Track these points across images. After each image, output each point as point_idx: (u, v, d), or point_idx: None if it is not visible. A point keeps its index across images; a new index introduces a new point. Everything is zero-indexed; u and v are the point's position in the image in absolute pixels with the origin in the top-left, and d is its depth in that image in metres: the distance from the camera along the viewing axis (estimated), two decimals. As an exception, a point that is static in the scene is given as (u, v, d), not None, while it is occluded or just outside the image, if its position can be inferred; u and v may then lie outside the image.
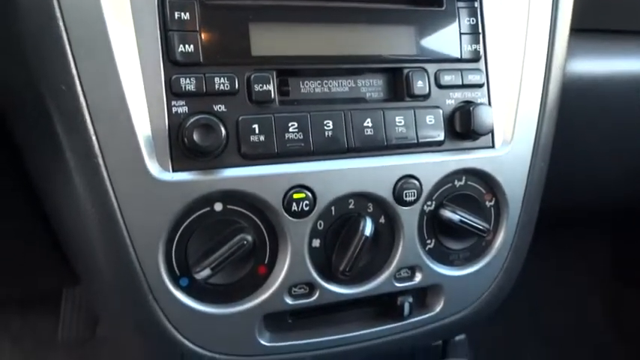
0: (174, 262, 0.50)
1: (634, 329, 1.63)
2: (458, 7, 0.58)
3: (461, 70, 0.58)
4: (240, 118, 0.50)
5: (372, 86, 0.57)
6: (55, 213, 0.56)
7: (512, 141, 0.61)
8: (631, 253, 1.64)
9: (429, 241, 0.59)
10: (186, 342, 0.52)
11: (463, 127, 0.57)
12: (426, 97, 0.57)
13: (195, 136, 0.47)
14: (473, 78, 0.59)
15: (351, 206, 0.55)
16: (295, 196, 0.51)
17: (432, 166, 0.57)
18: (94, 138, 0.46)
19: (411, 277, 0.59)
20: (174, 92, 0.48)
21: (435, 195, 0.58)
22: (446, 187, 0.59)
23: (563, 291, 1.67)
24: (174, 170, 0.49)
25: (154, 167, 0.48)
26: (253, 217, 0.52)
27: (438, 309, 0.61)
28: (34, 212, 0.64)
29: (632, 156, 0.93)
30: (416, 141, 0.56)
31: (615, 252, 1.70)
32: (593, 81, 0.78)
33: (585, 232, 1.69)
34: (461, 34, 0.58)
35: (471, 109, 0.56)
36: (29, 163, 0.55)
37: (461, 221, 0.58)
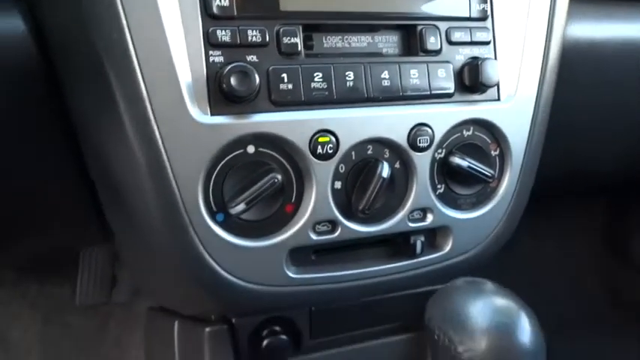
0: (211, 199, 0.56)
1: (627, 300, 1.70)
2: None
3: (470, 28, 0.63)
4: (270, 68, 0.55)
5: (387, 42, 0.62)
6: (99, 159, 0.61)
7: (516, 95, 0.66)
8: (624, 227, 1.71)
9: (439, 186, 0.64)
10: (223, 272, 0.57)
11: (472, 80, 0.62)
12: (438, 52, 0.62)
13: (233, 81, 0.52)
14: (481, 35, 0.64)
15: (369, 151, 0.60)
16: (320, 139, 0.57)
17: (443, 116, 0.62)
18: (141, 83, 0.51)
19: (423, 218, 0.64)
20: (211, 43, 0.53)
21: (446, 143, 0.64)
22: (455, 136, 0.64)
23: (562, 261, 1.74)
24: (212, 114, 0.54)
25: (194, 111, 0.53)
26: (282, 159, 0.57)
27: (447, 249, 0.66)
28: (72, 165, 0.69)
29: (629, 121, 0.98)
30: (429, 92, 0.61)
31: (610, 225, 1.77)
32: (590, 45, 0.84)
33: (583, 205, 1.76)
34: None
35: (479, 63, 0.61)
36: (76, 114, 0.60)
37: (469, 167, 0.63)
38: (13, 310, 1.23)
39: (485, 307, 0.44)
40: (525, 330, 0.43)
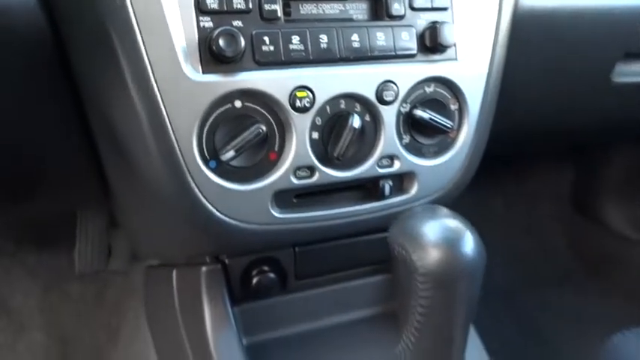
0: (204, 148, 0.64)
1: (593, 257, 1.82)
2: None
3: None
4: (253, 32, 0.63)
5: (357, 9, 0.70)
6: (103, 117, 0.69)
7: (471, 55, 0.74)
8: (589, 188, 1.83)
9: (404, 136, 0.73)
10: (217, 212, 0.66)
11: (432, 41, 0.71)
12: (402, 17, 0.70)
13: (221, 44, 0.60)
14: (440, 2, 0.72)
15: (342, 105, 0.69)
16: (298, 94, 0.65)
17: (407, 74, 0.70)
18: (141, 46, 0.59)
19: (391, 165, 0.73)
20: (201, 10, 0.61)
21: (410, 98, 0.72)
22: (418, 91, 0.72)
23: (528, 218, 1.85)
24: (203, 72, 0.62)
25: (188, 69, 0.61)
26: (265, 112, 0.66)
27: (413, 192, 0.75)
28: (76, 128, 0.76)
29: (582, 85, 1.08)
30: (394, 53, 0.70)
31: (576, 186, 1.88)
32: (544, 12, 0.92)
33: (552, 167, 1.87)
34: None
35: (438, 26, 0.70)
36: (82, 77, 0.67)
37: (430, 119, 0.72)
38: (13, 279, 1.30)
39: (437, 226, 0.53)
40: (469, 244, 0.52)
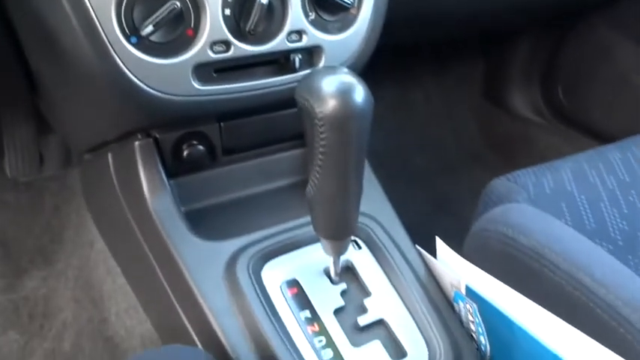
0: (124, 25, 0.70)
1: (500, 139, 2.02)
2: None
3: None
4: None
5: None
6: (24, 4, 0.72)
7: (367, -64, 0.82)
8: (500, 77, 1.99)
9: (310, 13, 0.81)
10: (142, 85, 0.73)
11: None
12: None
13: None
14: None
15: None
16: None
17: None
18: None
19: (299, 40, 0.81)
20: None
21: None
22: None
23: (444, 108, 2.01)
24: None
25: None
26: None
27: (321, 64, 0.85)
28: None
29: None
30: None
31: (488, 76, 2.05)
32: None
33: (461, 58, 2.01)
34: None
35: None
36: None
37: (333, -3, 0.80)
38: (-55, 192, 1.31)
39: (333, 80, 0.62)
40: (359, 94, 0.62)
